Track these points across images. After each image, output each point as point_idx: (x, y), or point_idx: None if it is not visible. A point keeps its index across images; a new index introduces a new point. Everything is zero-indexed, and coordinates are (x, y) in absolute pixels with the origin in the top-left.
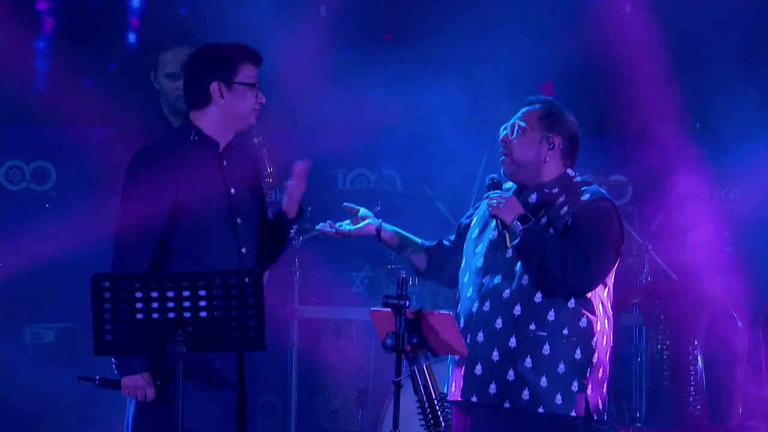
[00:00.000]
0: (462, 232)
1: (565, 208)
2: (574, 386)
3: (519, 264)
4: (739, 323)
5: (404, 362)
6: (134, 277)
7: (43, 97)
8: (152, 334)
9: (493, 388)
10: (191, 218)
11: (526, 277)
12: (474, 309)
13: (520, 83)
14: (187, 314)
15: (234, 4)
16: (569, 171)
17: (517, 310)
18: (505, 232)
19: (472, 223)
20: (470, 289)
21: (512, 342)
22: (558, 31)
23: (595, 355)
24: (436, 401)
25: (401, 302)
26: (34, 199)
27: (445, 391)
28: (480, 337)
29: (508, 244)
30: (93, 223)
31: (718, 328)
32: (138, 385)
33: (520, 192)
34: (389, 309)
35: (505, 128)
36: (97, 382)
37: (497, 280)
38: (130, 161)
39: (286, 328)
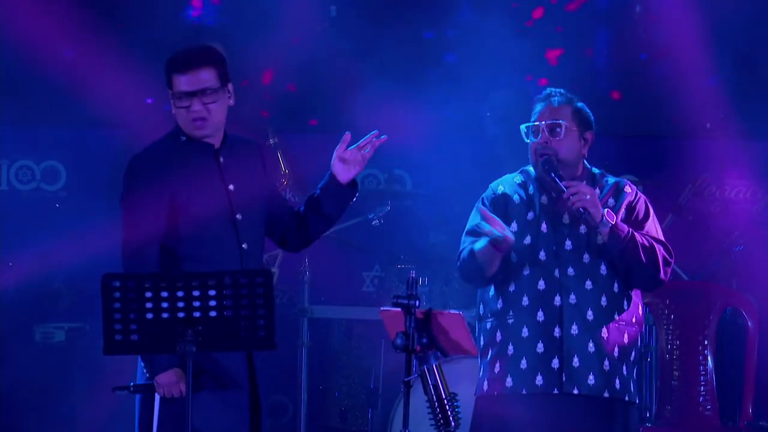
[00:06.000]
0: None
1: (611, 201)
2: (635, 373)
3: (586, 255)
4: (749, 323)
5: (414, 362)
6: (144, 277)
7: (54, 96)
8: (162, 334)
9: (591, 379)
10: (188, 219)
11: (603, 267)
12: (558, 302)
13: (531, 82)
14: (197, 314)
15: (246, 4)
16: (585, 162)
17: (604, 301)
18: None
19: (507, 214)
20: (540, 282)
21: (604, 333)
22: (570, 32)
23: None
24: (446, 401)
25: (411, 302)
26: (44, 198)
27: (455, 390)
28: (574, 329)
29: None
30: (103, 223)
31: (728, 328)
32: (171, 381)
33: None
34: (399, 309)
35: (533, 128)
36: (131, 390)
37: (571, 272)
38: (125, 169)
39: (295, 327)
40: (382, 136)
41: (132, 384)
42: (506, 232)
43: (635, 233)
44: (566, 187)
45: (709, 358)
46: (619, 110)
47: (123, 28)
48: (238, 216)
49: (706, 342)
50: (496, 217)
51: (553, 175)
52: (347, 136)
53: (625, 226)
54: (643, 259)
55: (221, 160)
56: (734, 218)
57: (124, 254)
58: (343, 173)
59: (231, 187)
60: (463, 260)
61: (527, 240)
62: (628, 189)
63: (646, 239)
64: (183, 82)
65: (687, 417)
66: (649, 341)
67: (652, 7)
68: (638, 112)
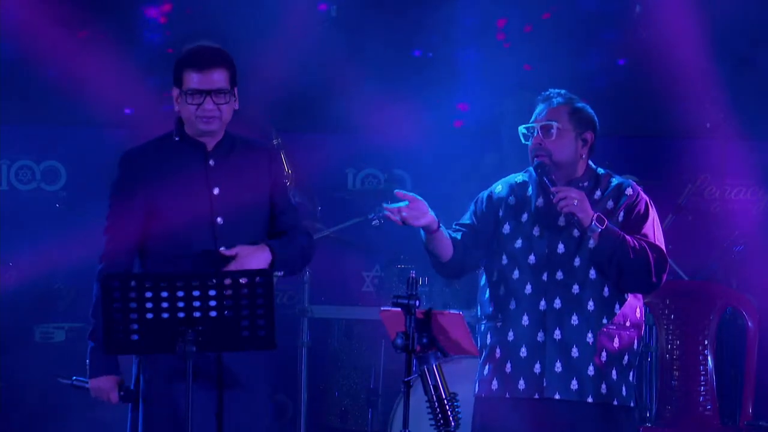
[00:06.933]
0: (483, 218)
1: (611, 203)
2: (631, 377)
3: (577, 259)
4: (749, 323)
5: (414, 362)
6: (144, 277)
7: (55, 96)
8: (162, 334)
9: (574, 384)
10: (163, 219)
11: (592, 272)
12: (542, 307)
13: (531, 83)
14: (197, 314)
15: (246, 6)
16: (590, 163)
17: (590, 305)
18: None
19: (500, 215)
20: (527, 286)
21: (589, 338)
22: (571, 32)
23: (640, 344)
24: (446, 401)
25: (411, 302)
26: (44, 198)
27: (456, 390)
28: (557, 334)
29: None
30: (103, 223)
31: (728, 328)
32: (101, 387)
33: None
34: (399, 309)
35: (530, 129)
36: (73, 384)
37: (560, 276)
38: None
39: (295, 327)
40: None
41: (74, 378)
42: (406, 213)
43: (627, 238)
44: (556, 192)
45: (709, 358)
46: (620, 110)
47: (122, 28)
48: (219, 219)
49: (706, 342)
50: (415, 196)
51: (544, 178)
52: None
53: (616, 231)
54: (633, 263)
55: (211, 162)
56: (734, 218)
57: (103, 247)
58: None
59: (216, 190)
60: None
61: (518, 243)
62: (629, 191)
63: (638, 243)
64: (197, 80)
65: (687, 417)
66: (649, 341)
67: (652, 8)
68: (638, 112)
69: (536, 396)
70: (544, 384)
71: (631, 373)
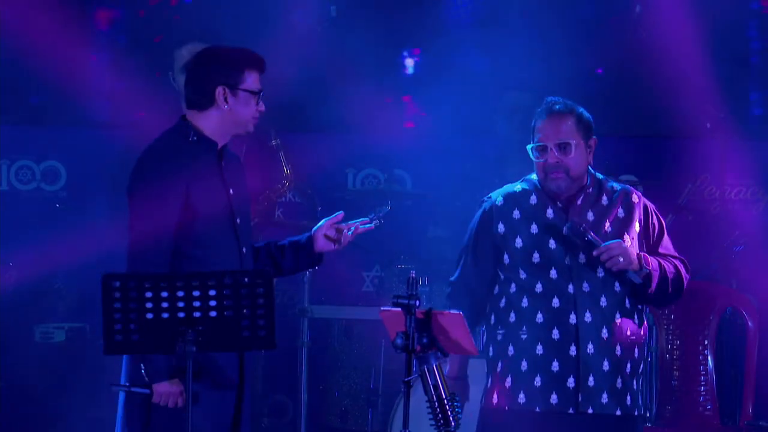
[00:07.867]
0: (485, 253)
1: (621, 212)
2: (641, 384)
3: (600, 269)
4: (749, 323)
5: (414, 362)
6: (144, 277)
7: (54, 96)
8: (162, 334)
9: (605, 398)
10: (197, 219)
11: (617, 284)
12: (573, 320)
13: (530, 83)
14: (197, 314)
15: (245, 4)
16: (590, 168)
17: (618, 317)
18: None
19: (505, 232)
20: (554, 300)
21: (618, 350)
22: (569, 32)
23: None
24: (446, 401)
25: (411, 302)
26: (44, 199)
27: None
28: (590, 348)
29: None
30: (103, 223)
31: (728, 328)
32: (170, 391)
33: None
34: (399, 309)
35: (542, 147)
36: (128, 388)
37: (586, 288)
38: (137, 162)
39: (295, 327)
40: (369, 225)
41: (129, 383)
42: None
43: (663, 265)
44: (598, 254)
45: (709, 358)
46: (619, 110)
47: (122, 28)
48: (238, 220)
49: (706, 342)
50: None
51: (587, 238)
52: (340, 215)
53: (656, 263)
54: (670, 290)
55: (222, 163)
56: (734, 218)
57: (130, 250)
58: (322, 244)
59: (231, 191)
60: (450, 292)
61: (536, 258)
62: (635, 198)
63: (672, 266)
64: (259, 81)
65: (687, 417)
66: (650, 341)
67: (652, 7)
68: (638, 112)
69: (571, 410)
70: (580, 399)
71: (641, 381)
